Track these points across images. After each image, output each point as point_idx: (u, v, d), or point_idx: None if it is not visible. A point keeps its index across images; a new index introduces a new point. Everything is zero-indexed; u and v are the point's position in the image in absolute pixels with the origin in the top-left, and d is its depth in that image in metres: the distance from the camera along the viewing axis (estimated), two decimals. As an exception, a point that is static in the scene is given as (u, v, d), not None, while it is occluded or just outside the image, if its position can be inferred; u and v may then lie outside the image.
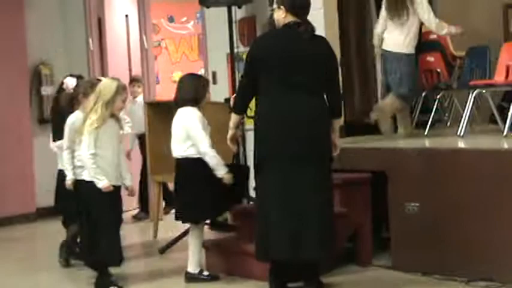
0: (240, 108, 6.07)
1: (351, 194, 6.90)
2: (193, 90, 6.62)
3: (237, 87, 6.65)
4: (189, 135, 6.53)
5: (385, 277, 6.65)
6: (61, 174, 7.74)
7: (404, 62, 7.62)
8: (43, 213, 10.37)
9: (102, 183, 6.46)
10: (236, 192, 6.91)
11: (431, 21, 7.64)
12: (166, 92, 11.15)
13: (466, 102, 7.56)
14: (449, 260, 6.41)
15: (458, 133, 7.45)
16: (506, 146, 6.80)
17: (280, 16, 5.86)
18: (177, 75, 13.05)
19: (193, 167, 6.55)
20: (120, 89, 6.60)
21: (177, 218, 6.73)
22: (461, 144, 7.18)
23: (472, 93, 7.49)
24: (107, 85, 6.58)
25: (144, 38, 10.36)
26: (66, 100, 7.42)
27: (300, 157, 5.74)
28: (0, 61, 10.50)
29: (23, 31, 10.78)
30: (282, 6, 5.85)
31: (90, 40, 10.84)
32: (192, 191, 6.53)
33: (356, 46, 8.25)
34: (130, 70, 11.06)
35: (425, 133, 7.84)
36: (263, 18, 8.65)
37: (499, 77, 7.44)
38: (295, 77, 5.73)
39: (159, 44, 13.22)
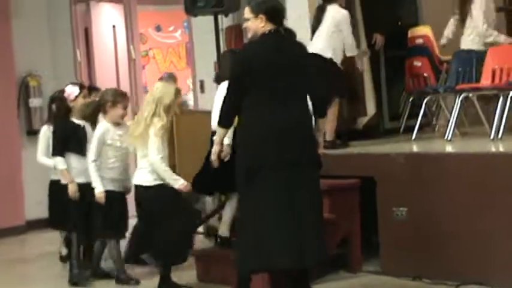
0: (228, 121, 5.97)
1: (339, 200, 6.90)
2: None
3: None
4: None
5: (375, 282, 6.66)
6: (54, 185, 7.74)
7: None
8: (33, 225, 10.34)
9: (180, 182, 6.45)
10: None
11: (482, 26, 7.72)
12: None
13: (453, 106, 7.58)
14: (439, 264, 6.42)
15: (445, 137, 7.46)
16: (493, 149, 6.82)
17: (259, 25, 5.81)
18: (165, 85, 13.07)
19: None
20: (178, 93, 6.66)
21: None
22: (448, 148, 7.20)
23: (459, 97, 7.51)
24: (165, 90, 6.59)
25: (131, 48, 10.36)
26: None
27: (295, 164, 5.70)
28: (-13, 72, 10.48)
29: (10, 42, 10.75)
30: (261, 15, 5.80)
31: (78, 51, 10.83)
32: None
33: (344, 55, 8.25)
34: (118, 80, 11.05)
35: (413, 138, 7.85)
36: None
37: (486, 81, 7.46)
38: (284, 83, 5.72)
39: (147, 54, 13.23)
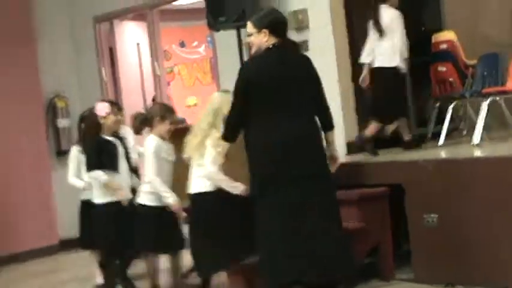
0: (233, 136, 5.97)
1: (369, 208, 6.88)
2: None
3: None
4: None
5: (408, 290, 6.63)
6: (84, 206, 7.76)
7: None
8: (66, 245, 10.41)
9: (240, 188, 6.39)
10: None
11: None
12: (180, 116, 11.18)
13: (480, 110, 7.53)
14: (471, 271, 6.37)
15: (473, 141, 7.42)
16: (522, 151, 6.77)
17: (262, 40, 5.81)
18: (191, 100, 13.12)
19: None
20: None
21: None
22: (477, 153, 7.15)
23: (486, 101, 7.47)
24: (223, 100, 6.56)
25: (156, 64, 10.41)
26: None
27: (305, 176, 5.69)
28: (15, 95, 10.59)
29: (36, 65, 10.87)
30: (264, 30, 5.80)
31: (103, 70, 10.91)
32: None
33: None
34: (144, 97, 11.12)
35: (441, 143, 7.80)
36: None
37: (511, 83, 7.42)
38: (290, 97, 5.72)
39: (172, 70, 13.29)
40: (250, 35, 5.90)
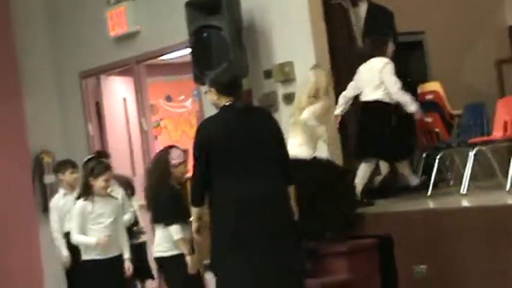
0: (198, 200, 5.81)
1: (358, 260, 6.85)
2: None
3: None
4: None
5: None
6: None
7: None
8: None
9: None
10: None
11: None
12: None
13: (467, 160, 7.55)
14: (462, 321, 6.32)
15: (461, 191, 7.42)
16: (510, 201, 6.77)
17: (213, 98, 5.79)
18: (179, 154, 13.11)
19: None
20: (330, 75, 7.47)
21: None
22: (465, 203, 7.15)
23: (472, 151, 7.49)
24: (319, 74, 7.21)
25: (142, 120, 10.41)
26: None
27: (271, 236, 5.55)
28: (1, 151, 10.54)
29: (23, 121, 10.87)
30: (212, 89, 5.78)
31: (90, 125, 10.90)
32: None
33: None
34: (131, 152, 11.08)
35: (428, 194, 7.80)
36: (259, 91, 8.71)
37: (498, 133, 7.45)
38: (248, 156, 5.63)
39: (159, 124, 13.28)
40: (206, 91, 5.89)
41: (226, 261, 5.62)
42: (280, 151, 5.80)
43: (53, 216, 8.35)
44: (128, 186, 8.56)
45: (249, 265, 5.53)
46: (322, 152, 7.50)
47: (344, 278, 6.71)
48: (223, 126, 5.71)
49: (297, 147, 7.04)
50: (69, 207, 7.87)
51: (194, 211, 5.90)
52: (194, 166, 5.78)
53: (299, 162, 6.75)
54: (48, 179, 10.84)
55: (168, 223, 6.65)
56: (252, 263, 5.54)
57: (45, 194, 10.85)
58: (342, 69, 8.31)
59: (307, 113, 7.13)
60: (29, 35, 11.06)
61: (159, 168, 6.85)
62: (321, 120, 7.23)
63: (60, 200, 8.34)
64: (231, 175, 5.62)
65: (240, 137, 5.65)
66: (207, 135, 5.72)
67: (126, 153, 11.01)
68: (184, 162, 6.96)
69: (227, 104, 5.73)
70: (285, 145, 5.91)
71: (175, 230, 6.61)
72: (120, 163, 10.77)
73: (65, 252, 8.06)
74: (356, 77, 7.83)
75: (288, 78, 8.48)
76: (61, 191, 8.44)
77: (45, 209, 10.71)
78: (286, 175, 5.79)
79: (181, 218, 6.59)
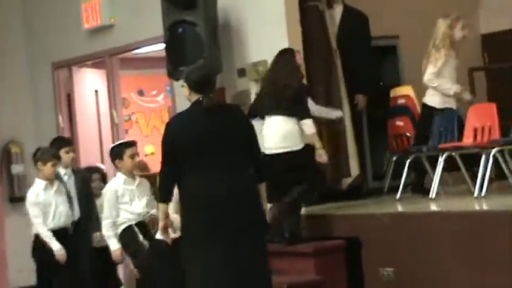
0: (166, 196, 5.80)
1: (325, 261, 6.88)
2: None
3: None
4: None
5: None
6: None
7: None
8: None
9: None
10: None
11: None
12: (138, 165, 11.11)
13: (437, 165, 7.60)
14: (427, 325, 6.36)
15: (430, 196, 7.47)
16: (477, 207, 6.83)
17: (186, 93, 5.81)
18: (149, 149, 13.06)
19: None
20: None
21: None
22: (433, 207, 7.20)
23: (442, 156, 7.54)
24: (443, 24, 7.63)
25: (114, 112, 10.36)
26: None
27: (238, 233, 5.57)
28: (-31, 139, 10.46)
29: (-8, 109, 10.77)
30: (185, 84, 5.80)
31: (60, 116, 10.83)
32: None
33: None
34: (101, 145, 11.02)
35: (397, 197, 7.85)
36: (232, 89, 8.71)
37: (467, 139, 7.51)
38: (217, 152, 5.63)
39: (130, 118, 13.23)
40: (183, 85, 5.89)
41: (194, 256, 5.62)
42: (251, 148, 5.80)
43: (33, 211, 7.70)
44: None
45: (216, 261, 5.54)
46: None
47: (311, 278, 6.73)
48: (191, 123, 5.72)
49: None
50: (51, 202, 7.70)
51: (161, 208, 5.87)
52: (162, 163, 5.78)
53: None
54: (16, 169, 10.76)
55: None
56: (218, 259, 5.54)
57: (12, 184, 10.77)
58: (315, 71, 8.34)
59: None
60: (3, 22, 10.96)
61: None
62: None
63: (39, 196, 7.72)
64: (199, 172, 5.62)
65: (208, 133, 5.65)
66: (175, 131, 5.72)
67: (96, 146, 10.95)
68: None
69: (194, 101, 5.75)
70: (257, 142, 5.89)
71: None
72: (89, 155, 10.72)
73: (57, 246, 7.63)
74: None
75: (261, 78, 8.48)
76: (40, 183, 7.76)
77: (12, 200, 10.65)
78: (258, 172, 5.80)
79: None
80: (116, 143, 7.96)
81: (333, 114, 7.87)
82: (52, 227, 7.63)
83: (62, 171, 7.88)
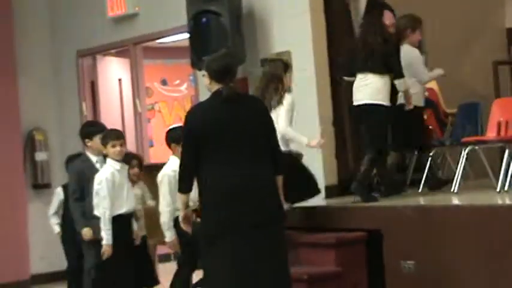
0: (186, 187, 5.76)
1: (346, 253, 6.87)
2: None
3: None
4: None
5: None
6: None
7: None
8: (37, 280, 10.29)
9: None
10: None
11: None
12: (160, 155, 11.14)
13: (459, 159, 7.57)
14: (447, 319, 6.35)
15: (452, 190, 7.44)
16: (500, 201, 6.79)
17: (206, 83, 5.77)
18: (171, 138, 13.11)
19: None
20: None
21: None
22: (455, 201, 7.17)
23: (465, 150, 7.50)
24: None
25: (137, 101, 10.40)
26: None
27: (259, 225, 5.54)
28: (-7, 126, 10.54)
29: (17, 97, 10.84)
30: (206, 73, 5.76)
31: (84, 104, 10.88)
32: None
33: (347, 106, 8.29)
34: (124, 134, 11.04)
35: (420, 190, 7.83)
36: (255, 79, 8.71)
37: (491, 133, 7.47)
38: (236, 143, 5.60)
39: (153, 107, 13.27)
40: (204, 74, 5.87)
41: (213, 247, 5.60)
42: (270, 140, 5.77)
43: (104, 192, 7.11)
44: None
45: (234, 252, 5.52)
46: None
47: (331, 269, 6.73)
48: (210, 113, 5.67)
49: None
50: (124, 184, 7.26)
51: (181, 198, 5.87)
52: (182, 153, 5.78)
53: None
54: (40, 156, 10.83)
55: None
56: (237, 250, 5.52)
57: (35, 171, 10.84)
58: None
59: None
60: (28, 12, 11.02)
61: None
62: None
63: (115, 176, 7.17)
64: (218, 162, 5.59)
65: (227, 124, 5.61)
66: (194, 122, 5.69)
67: (119, 135, 11.00)
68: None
69: (214, 91, 5.72)
70: (275, 134, 5.86)
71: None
72: (112, 144, 10.78)
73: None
74: None
75: (285, 68, 8.47)
76: (114, 164, 7.17)
77: (35, 186, 10.74)
78: (275, 165, 5.77)
79: None
80: (175, 126, 7.82)
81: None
82: (124, 211, 7.13)
83: (93, 158, 7.53)
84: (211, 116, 5.64)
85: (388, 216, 6.84)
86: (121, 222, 7.06)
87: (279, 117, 7.01)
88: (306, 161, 7.59)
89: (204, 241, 5.67)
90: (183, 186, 5.79)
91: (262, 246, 5.54)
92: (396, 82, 7.38)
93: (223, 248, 5.53)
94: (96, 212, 7.08)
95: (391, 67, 7.37)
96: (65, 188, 8.11)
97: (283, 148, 6.56)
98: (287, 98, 7.16)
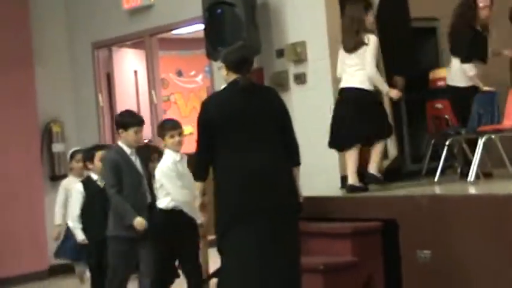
0: (202, 174, 5.92)
1: (362, 242, 6.85)
2: None
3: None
4: None
5: (399, 326, 6.58)
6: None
7: None
8: (55, 271, 10.34)
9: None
10: None
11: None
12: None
13: (475, 148, 7.54)
14: (463, 308, 6.34)
15: (468, 179, 7.41)
16: (517, 191, 6.76)
17: (224, 74, 5.88)
18: (187, 129, 13.12)
19: None
20: None
21: None
22: (472, 191, 7.15)
23: (481, 139, 7.47)
24: None
25: (153, 93, 10.42)
26: None
27: (273, 212, 5.62)
28: (11, 118, 10.58)
29: (33, 89, 10.89)
30: (224, 65, 5.86)
31: (100, 96, 10.92)
32: None
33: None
34: (140, 125, 11.10)
35: (436, 180, 7.81)
36: (270, 70, 8.71)
37: (508, 122, 7.43)
38: (252, 132, 5.69)
39: (168, 99, 13.30)
40: (220, 67, 5.98)
41: (229, 234, 5.66)
42: (285, 130, 5.83)
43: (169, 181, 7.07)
44: None
45: (250, 238, 5.59)
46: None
47: (347, 259, 6.73)
48: (226, 102, 5.78)
49: None
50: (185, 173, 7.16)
51: (198, 186, 5.99)
52: (197, 141, 5.84)
53: None
54: (57, 147, 10.89)
55: None
56: (252, 237, 5.59)
57: (52, 163, 10.90)
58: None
59: None
60: (44, 4, 11.06)
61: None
62: None
63: (177, 166, 7.13)
64: (233, 151, 5.69)
65: (242, 113, 5.71)
66: (210, 111, 5.78)
67: (135, 126, 11.03)
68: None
69: (231, 81, 5.81)
70: (291, 125, 5.92)
71: None
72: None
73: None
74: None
75: (299, 59, 8.48)
76: (174, 155, 7.12)
77: (52, 178, 10.79)
78: (291, 155, 5.84)
79: None
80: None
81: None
82: (185, 200, 6.99)
83: (127, 150, 7.07)
84: (226, 105, 5.75)
85: (404, 205, 6.82)
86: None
87: (365, 60, 7.27)
88: (321, 150, 7.61)
89: (221, 228, 5.73)
90: (199, 173, 5.91)
91: (276, 234, 5.60)
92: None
93: (239, 233, 5.61)
94: (161, 205, 7.00)
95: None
96: (84, 184, 7.70)
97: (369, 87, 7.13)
98: (371, 39, 7.30)
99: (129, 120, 7.08)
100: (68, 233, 8.06)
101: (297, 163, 5.92)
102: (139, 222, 6.80)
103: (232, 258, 5.68)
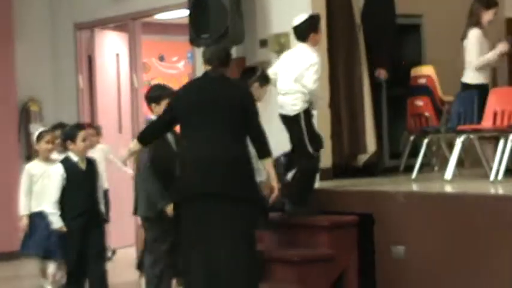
0: (144, 139, 6.35)
1: (338, 236, 6.90)
2: None
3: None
4: None
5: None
6: None
7: None
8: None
9: None
10: None
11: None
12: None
13: (454, 147, 7.58)
14: (435, 305, 6.38)
15: (445, 177, 7.46)
16: (492, 191, 6.81)
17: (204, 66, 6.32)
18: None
19: None
20: None
21: None
22: (448, 189, 7.19)
23: (460, 138, 7.52)
24: None
25: (134, 76, 10.37)
26: None
27: (213, 196, 5.86)
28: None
29: (13, 66, 10.79)
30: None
31: (80, 77, 10.85)
32: None
33: (344, 89, 8.28)
34: (119, 108, 11.06)
35: (413, 177, 7.84)
36: (253, 59, 8.69)
37: (487, 122, 7.48)
38: (207, 121, 5.98)
39: (149, 83, 13.24)
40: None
41: (181, 208, 6.04)
42: (251, 125, 6.07)
43: None
44: None
45: (189, 221, 5.91)
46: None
47: (323, 252, 6.76)
48: (192, 88, 6.32)
49: None
50: None
51: (134, 144, 6.40)
52: (160, 114, 6.39)
53: None
54: (35, 127, 10.80)
55: None
56: (191, 221, 5.90)
57: (29, 143, 10.81)
58: (337, 43, 8.31)
59: None
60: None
61: None
62: None
63: None
64: (193, 135, 6.04)
65: (204, 100, 6.07)
66: (178, 95, 6.34)
67: (115, 109, 10.99)
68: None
69: (206, 71, 6.25)
70: (257, 120, 6.12)
71: None
72: (107, 118, 10.77)
73: None
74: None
75: (283, 49, 8.45)
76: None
77: (29, 158, 10.69)
78: (259, 149, 6.10)
79: None
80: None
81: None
82: None
83: None
84: (191, 91, 6.25)
85: (380, 201, 6.86)
86: None
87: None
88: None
89: (178, 204, 6.12)
90: (142, 135, 6.37)
91: (221, 216, 5.85)
92: None
93: (186, 212, 5.96)
94: None
95: None
96: (64, 165, 7.09)
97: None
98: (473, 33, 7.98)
99: (161, 92, 6.88)
100: (33, 226, 7.76)
101: (267, 155, 6.14)
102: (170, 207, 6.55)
103: (184, 233, 6.03)
